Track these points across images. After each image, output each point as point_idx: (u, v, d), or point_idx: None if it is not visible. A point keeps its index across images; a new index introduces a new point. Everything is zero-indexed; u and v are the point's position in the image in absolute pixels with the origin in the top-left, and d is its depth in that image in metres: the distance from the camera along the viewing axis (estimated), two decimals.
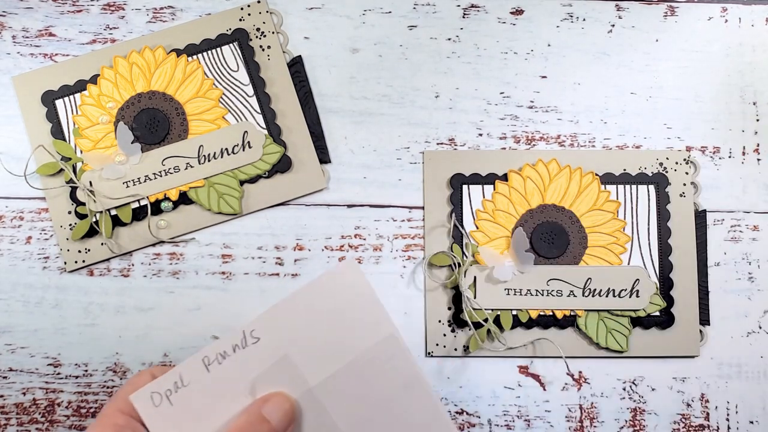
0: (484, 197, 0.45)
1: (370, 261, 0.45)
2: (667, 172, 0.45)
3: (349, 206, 0.45)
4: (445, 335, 0.44)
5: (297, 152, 0.45)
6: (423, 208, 0.45)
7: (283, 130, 0.45)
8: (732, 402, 0.44)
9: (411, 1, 0.47)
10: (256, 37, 0.46)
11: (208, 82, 0.45)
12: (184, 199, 0.44)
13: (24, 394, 0.43)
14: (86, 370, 0.43)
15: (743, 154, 0.46)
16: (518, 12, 0.47)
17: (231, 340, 0.31)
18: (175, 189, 0.44)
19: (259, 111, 0.45)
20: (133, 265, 0.44)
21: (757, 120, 0.47)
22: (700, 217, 0.45)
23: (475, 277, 0.43)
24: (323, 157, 0.45)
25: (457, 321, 0.43)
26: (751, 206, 0.46)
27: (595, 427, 0.44)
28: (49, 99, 0.44)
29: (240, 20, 0.46)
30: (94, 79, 0.44)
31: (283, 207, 0.45)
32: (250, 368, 0.31)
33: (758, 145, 0.46)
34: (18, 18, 0.46)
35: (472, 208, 0.45)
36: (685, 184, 0.45)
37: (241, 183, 0.44)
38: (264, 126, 0.45)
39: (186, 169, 0.44)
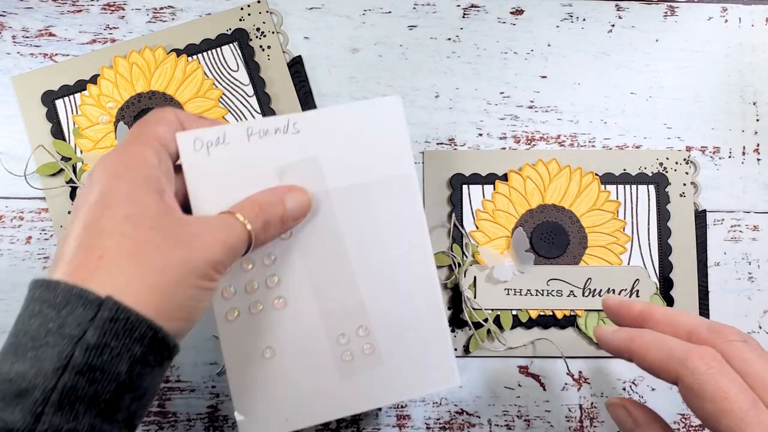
0: (484, 197, 0.45)
1: None
2: (667, 172, 0.45)
3: None
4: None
5: None
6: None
7: None
8: None
9: (411, 1, 0.47)
10: (256, 37, 0.46)
11: (208, 82, 0.45)
12: None
13: None
14: None
15: (743, 154, 0.46)
16: (518, 12, 0.47)
17: (275, 123, 0.33)
18: None
19: (259, 111, 0.45)
20: None
21: (757, 120, 0.47)
22: (700, 217, 0.45)
23: (475, 277, 0.43)
24: None
25: (457, 321, 0.43)
26: (751, 206, 0.46)
27: (595, 427, 0.44)
28: (49, 99, 0.44)
29: (240, 20, 0.46)
30: (94, 79, 0.44)
31: None
32: (283, 154, 0.33)
33: (758, 145, 0.46)
34: (18, 18, 0.46)
35: (472, 208, 0.45)
36: (685, 184, 0.45)
37: None
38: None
39: None
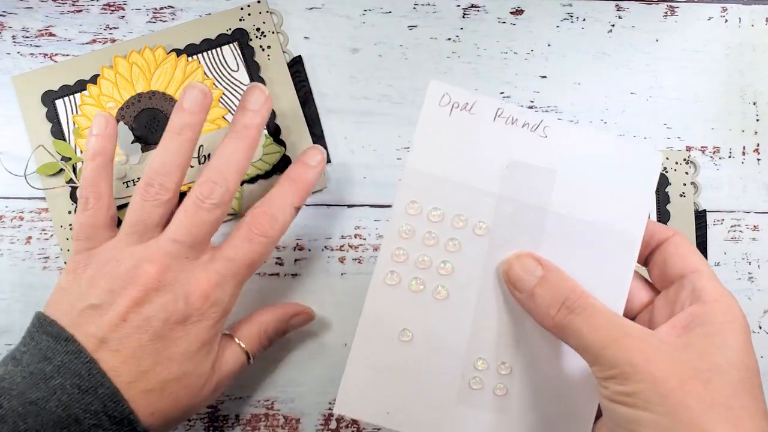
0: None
1: (370, 261, 0.45)
2: (666, 172, 0.45)
3: (349, 206, 0.45)
4: None
5: (297, 152, 0.45)
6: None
7: (283, 131, 0.45)
8: None
9: (411, 1, 0.47)
10: (256, 37, 0.46)
11: (209, 82, 0.45)
12: (182, 197, 0.44)
13: None
14: None
15: (743, 154, 0.46)
16: (518, 12, 0.47)
17: (527, 116, 0.32)
18: None
19: None
20: None
21: (757, 120, 0.47)
22: (700, 217, 0.45)
23: None
24: None
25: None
26: (751, 206, 0.46)
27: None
28: (49, 99, 0.44)
29: (240, 20, 0.46)
30: (94, 79, 0.44)
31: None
32: (520, 150, 0.32)
33: (758, 145, 0.46)
34: (18, 18, 0.46)
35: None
36: (685, 184, 0.45)
37: (241, 183, 0.44)
38: (264, 126, 0.45)
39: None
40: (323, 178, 0.45)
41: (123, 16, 0.46)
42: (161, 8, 0.46)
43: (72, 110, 0.44)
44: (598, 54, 0.47)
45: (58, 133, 0.44)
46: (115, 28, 0.46)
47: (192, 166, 0.44)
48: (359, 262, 0.45)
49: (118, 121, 0.44)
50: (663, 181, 0.45)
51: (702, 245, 0.45)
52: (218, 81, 0.45)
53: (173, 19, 0.46)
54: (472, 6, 0.47)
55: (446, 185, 0.32)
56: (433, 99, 0.32)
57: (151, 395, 0.33)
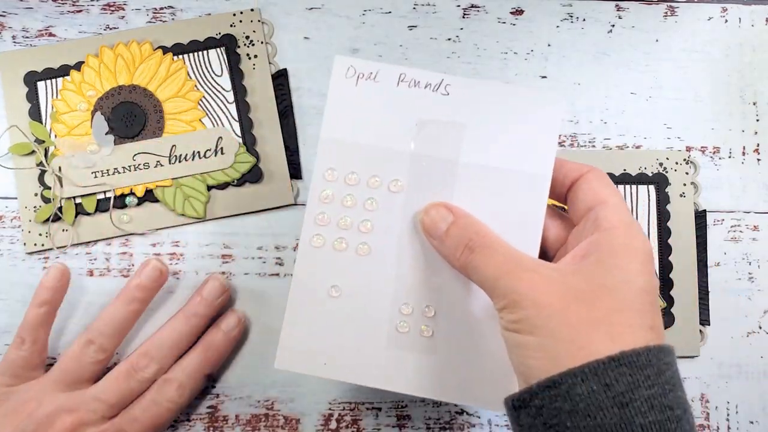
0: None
1: None
2: (667, 172, 0.45)
3: None
4: None
5: (269, 164, 0.44)
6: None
7: (258, 141, 0.45)
8: (732, 402, 0.44)
9: (411, 1, 0.47)
10: (245, 44, 0.45)
11: (190, 83, 0.45)
12: (149, 196, 0.44)
13: None
14: None
15: (743, 154, 0.46)
16: (518, 12, 0.47)
17: (428, 77, 0.34)
18: (142, 185, 0.44)
19: (237, 119, 0.45)
20: (133, 265, 0.44)
21: (757, 120, 0.47)
22: (700, 217, 0.45)
23: (60, 167, 0.44)
24: (295, 172, 0.45)
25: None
26: (751, 206, 0.46)
27: None
28: (31, 80, 0.44)
29: (231, 26, 0.45)
30: (78, 66, 0.44)
31: (284, 207, 0.45)
32: (426, 109, 0.34)
33: (758, 145, 0.46)
34: (18, 18, 0.46)
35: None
36: (685, 185, 0.45)
37: (209, 188, 0.44)
38: (240, 134, 0.44)
39: (156, 166, 0.44)
40: (291, 193, 0.44)
41: (123, 16, 0.46)
42: (161, 8, 0.46)
43: (53, 94, 0.44)
44: (598, 54, 0.47)
45: (35, 114, 0.44)
46: (115, 28, 0.46)
47: (162, 165, 0.44)
48: None
49: (96, 110, 0.44)
50: (663, 181, 0.45)
51: (702, 245, 0.45)
52: (200, 83, 0.45)
53: (173, 19, 0.46)
54: (472, 6, 0.47)
55: (360, 150, 0.34)
56: (340, 72, 0.34)
57: None
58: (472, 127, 0.34)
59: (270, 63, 0.46)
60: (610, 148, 0.46)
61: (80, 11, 0.46)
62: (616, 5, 0.47)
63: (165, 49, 0.45)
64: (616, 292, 0.28)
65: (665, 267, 0.44)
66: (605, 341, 0.27)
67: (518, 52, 0.47)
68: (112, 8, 0.46)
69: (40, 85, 0.44)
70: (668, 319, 0.44)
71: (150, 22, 0.46)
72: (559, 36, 0.47)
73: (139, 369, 0.39)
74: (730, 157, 0.46)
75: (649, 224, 0.45)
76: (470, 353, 0.34)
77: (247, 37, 0.45)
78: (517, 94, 0.34)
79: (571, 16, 0.47)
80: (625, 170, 0.45)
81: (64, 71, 0.44)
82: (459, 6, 0.47)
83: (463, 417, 0.44)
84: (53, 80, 0.44)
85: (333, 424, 0.43)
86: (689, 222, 0.45)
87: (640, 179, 0.45)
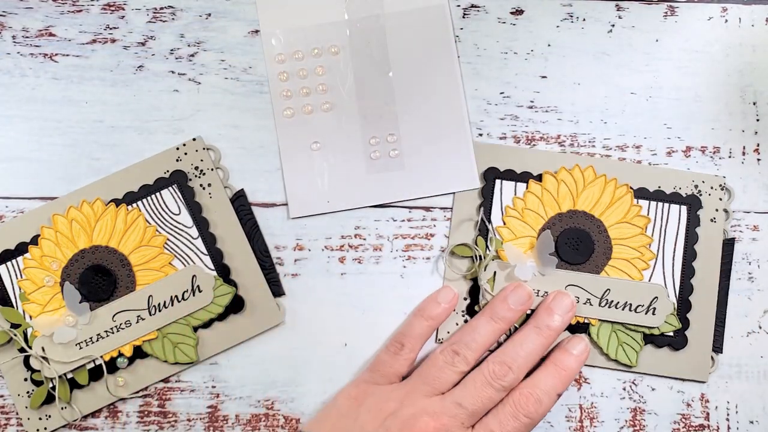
0: (515, 195, 0.44)
1: (370, 261, 0.45)
2: (701, 195, 0.45)
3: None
4: (457, 324, 0.44)
5: (249, 291, 0.43)
6: (452, 202, 0.45)
7: (232, 270, 0.43)
8: (732, 402, 0.44)
9: None
10: (195, 176, 0.44)
11: (151, 229, 0.43)
12: (139, 353, 0.42)
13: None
14: None
15: (743, 154, 0.46)
16: (518, 12, 0.47)
17: None
18: (129, 344, 0.42)
19: (206, 252, 0.43)
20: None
21: (757, 120, 0.47)
22: (728, 244, 0.45)
23: (495, 273, 0.43)
24: (276, 290, 0.44)
25: (471, 312, 0.44)
26: (751, 206, 0.46)
27: (595, 427, 0.44)
28: None
29: (177, 160, 0.44)
30: (35, 240, 0.43)
31: (284, 207, 0.45)
32: None
33: (758, 145, 0.46)
34: (18, 18, 0.46)
35: (501, 204, 0.44)
36: (717, 210, 0.45)
37: (195, 329, 0.43)
38: (212, 267, 0.43)
39: (137, 322, 0.42)
40: (279, 312, 0.43)
41: (123, 16, 0.46)
42: (161, 8, 0.46)
43: (16, 275, 0.43)
44: (598, 54, 0.47)
45: (4, 299, 0.43)
46: (115, 28, 0.46)
47: (143, 318, 0.42)
48: (359, 262, 0.45)
49: (63, 281, 0.42)
50: (696, 204, 0.44)
51: (725, 273, 0.44)
52: (161, 226, 0.43)
53: (173, 19, 0.46)
54: (472, 6, 0.47)
55: (299, 32, 0.44)
56: None
57: None
58: None
59: (226, 187, 0.44)
60: (610, 148, 0.46)
61: (80, 11, 0.46)
62: (616, 5, 0.47)
63: (117, 201, 0.43)
64: None
65: (685, 288, 0.44)
66: None
67: (518, 52, 0.47)
68: (112, 8, 0.46)
69: (2, 269, 0.43)
70: (681, 341, 0.43)
71: (150, 21, 0.46)
72: (559, 36, 0.47)
73: (497, 377, 0.39)
74: (730, 157, 0.46)
75: (676, 244, 0.44)
76: (433, 161, 0.44)
77: (196, 168, 0.44)
78: None
79: (571, 16, 0.47)
80: (659, 187, 0.44)
81: (22, 249, 0.43)
82: (459, 6, 0.47)
83: None
84: (13, 261, 0.43)
85: None
86: (716, 248, 0.44)
87: (673, 198, 0.44)
